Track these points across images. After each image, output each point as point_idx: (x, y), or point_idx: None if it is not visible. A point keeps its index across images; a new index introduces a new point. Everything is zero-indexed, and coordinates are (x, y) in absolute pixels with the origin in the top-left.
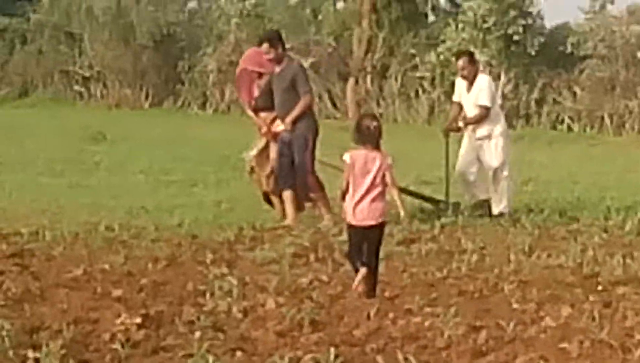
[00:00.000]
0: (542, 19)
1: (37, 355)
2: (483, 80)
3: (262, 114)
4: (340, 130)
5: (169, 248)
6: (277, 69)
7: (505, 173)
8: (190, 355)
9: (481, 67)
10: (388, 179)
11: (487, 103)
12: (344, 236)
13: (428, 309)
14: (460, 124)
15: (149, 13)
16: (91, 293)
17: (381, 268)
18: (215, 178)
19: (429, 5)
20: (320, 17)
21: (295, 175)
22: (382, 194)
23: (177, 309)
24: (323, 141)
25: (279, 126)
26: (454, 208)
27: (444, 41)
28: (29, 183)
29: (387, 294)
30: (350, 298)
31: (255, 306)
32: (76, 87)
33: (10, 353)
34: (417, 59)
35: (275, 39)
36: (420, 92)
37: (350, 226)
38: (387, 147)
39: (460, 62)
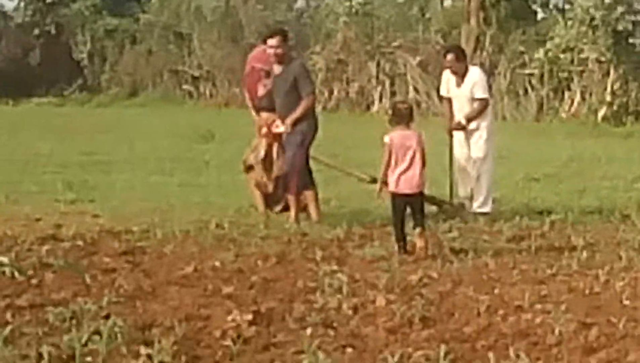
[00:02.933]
0: None
1: (150, 351)
2: (475, 72)
3: (264, 115)
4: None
5: (278, 246)
6: (279, 69)
7: (487, 166)
8: (301, 352)
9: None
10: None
11: (485, 95)
12: (453, 233)
13: (538, 306)
14: (463, 121)
15: (258, 12)
16: (202, 290)
17: (491, 264)
18: (324, 175)
19: (538, 2)
20: (428, 15)
21: (310, 174)
22: (421, 167)
23: (287, 306)
24: (432, 136)
25: (279, 127)
26: (459, 210)
27: (552, 38)
28: (140, 182)
29: (497, 291)
30: (460, 295)
31: (365, 303)
32: (185, 87)
33: (124, 349)
34: (526, 56)
35: (286, 35)
36: (528, 89)
37: (395, 195)
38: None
39: (448, 58)
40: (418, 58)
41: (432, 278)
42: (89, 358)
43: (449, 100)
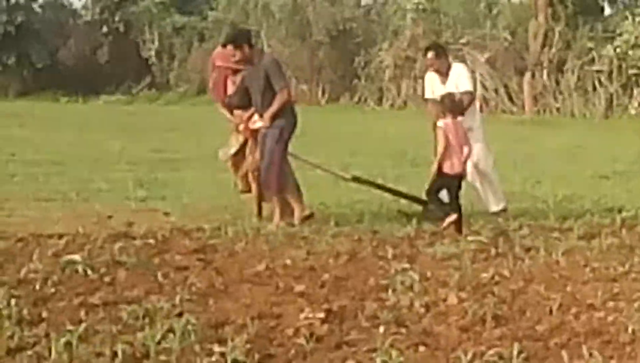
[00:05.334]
0: None
1: (223, 349)
2: (458, 68)
3: (238, 112)
4: (517, 124)
5: (349, 243)
6: (250, 68)
7: (489, 163)
8: (374, 350)
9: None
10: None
11: (470, 88)
12: (523, 231)
13: (611, 304)
14: (435, 118)
15: (325, 9)
16: (274, 288)
17: (562, 262)
18: (393, 173)
19: None
20: (495, 11)
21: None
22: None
23: (359, 304)
24: (500, 134)
25: (257, 123)
26: (444, 209)
27: (620, 34)
28: (209, 179)
29: (569, 289)
30: (532, 293)
31: (437, 301)
32: None
33: (197, 347)
34: (594, 53)
35: (239, 39)
36: (597, 86)
37: (446, 175)
38: (563, 141)
39: (428, 56)
40: (486, 55)
41: (504, 276)
42: (162, 356)
43: (434, 100)
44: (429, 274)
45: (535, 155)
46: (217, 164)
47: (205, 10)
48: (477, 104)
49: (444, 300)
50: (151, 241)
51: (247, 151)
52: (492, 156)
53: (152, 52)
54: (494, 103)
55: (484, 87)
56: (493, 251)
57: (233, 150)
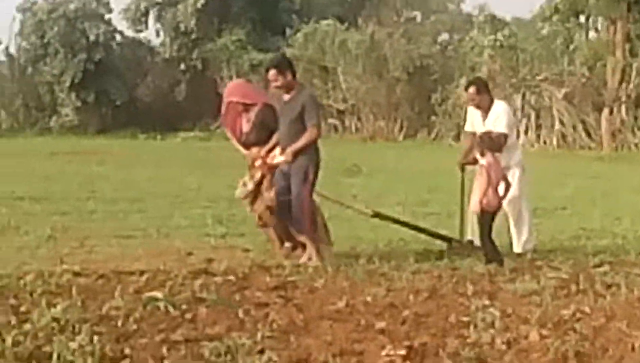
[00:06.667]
0: None
1: None
2: (500, 107)
3: (254, 149)
4: (594, 160)
5: (429, 280)
6: (287, 97)
7: (525, 203)
8: None
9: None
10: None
11: (506, 131)
12: (604, 268)
13: None
14: (478, 156)
15: (402, 46)
16: (355, 325)
17: None
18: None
19: None
20: (572, 47)
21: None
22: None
23: (440, 341)
24: (577, 170)
25: (276, 158)
26: (468, 247)
27: None
28: None
29: None
30: (614, 330)
31: (518, 338)
32: (331, 120)
33: None
34: None
35: (283, 65)
36: None
37: (487, 213)
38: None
39: (470, 91)
40: (563, 91)
41: (585, 313)
42: None
43: (473, 134)
44: (509, 310)
45: (614, 191)
46: None
47: (283, 47)
48: (518, 143)
49: (526, 337)
50: (231, 277)
51: (264, 187)
52: (527, 197)
53: None
54: (571, 139)
55: (562, 123)
56: (574, 287)
57: (251, 186)
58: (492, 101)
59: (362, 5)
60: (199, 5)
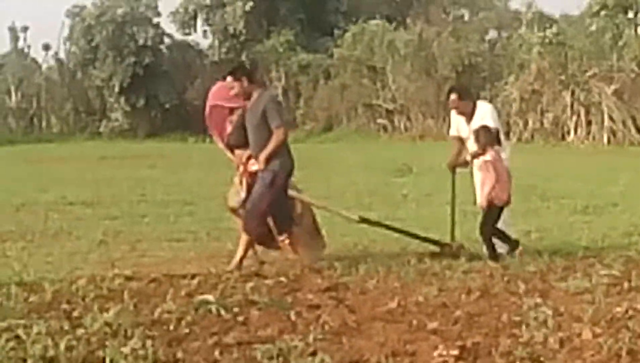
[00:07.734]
0: None
1: None
2: (484, 108)
3: (238, 152)
4: None
5: (481, 279)
6: (248, 103)
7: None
8: None
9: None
10: None
11: (493, 126)
12: None
13: None
14: (468, 157)
15: (450, 44)
16: (407, 325)
17: None
18: (522, 207)
19: None
20: (621, 43)
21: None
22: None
23: (493, 340)
24: (628, 166)
25: (253, 166)
26: (459, 251)
27: None
28: (339, 217)
29: None
30: None
31: (571, 337)
32: (380, 120)
33: None
34: None
35: (238, 72)
36: None
37: (496, 207)
38: None
39: (452, 98)
40: (613, 87)
41: (638, 310)
42: None
43: (459, 138)
44: (562, 309)
45: None
46: (346, 202)
47: (331, 47)
48: (507, 143)
49: (579, 335)
50: (283, 280)
51: (243, 193)
52: None
53: (279, 90)
54: (621, 135)
55: (611, 119)
56: (626, 285)
57: (243, 195)
58: (474, 105)
59: (410, 5)
60: (247, 7)
